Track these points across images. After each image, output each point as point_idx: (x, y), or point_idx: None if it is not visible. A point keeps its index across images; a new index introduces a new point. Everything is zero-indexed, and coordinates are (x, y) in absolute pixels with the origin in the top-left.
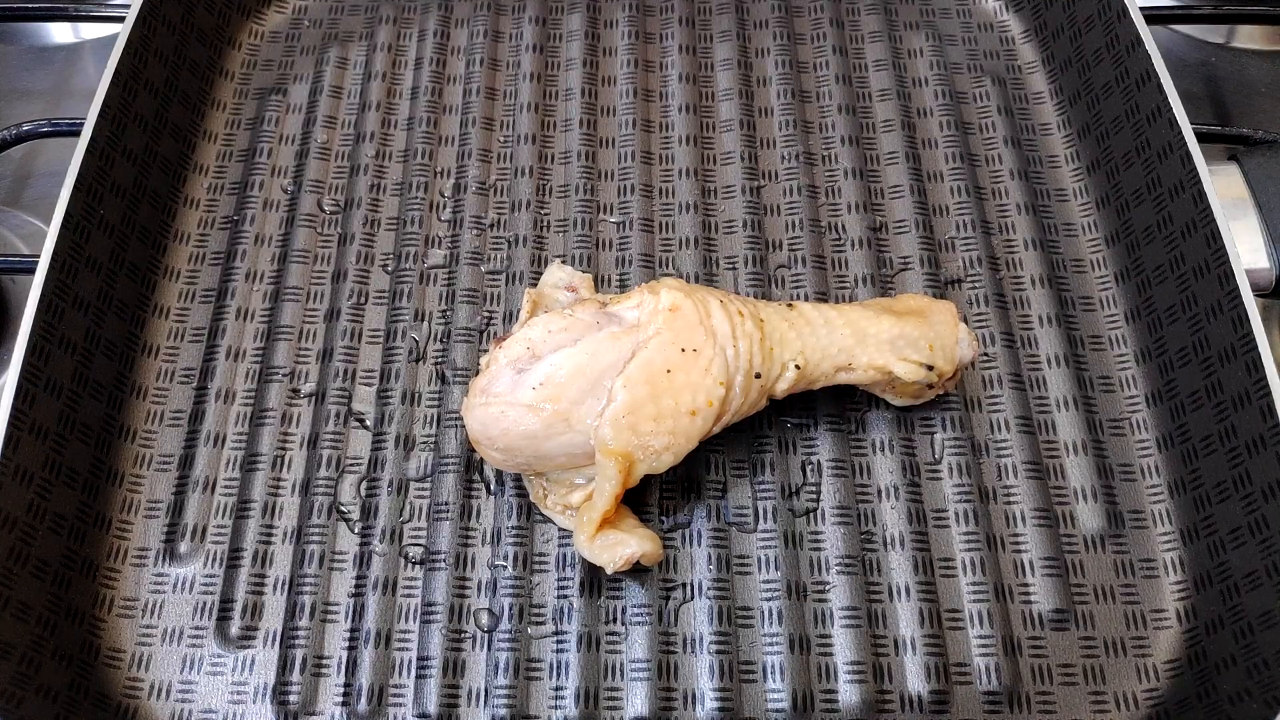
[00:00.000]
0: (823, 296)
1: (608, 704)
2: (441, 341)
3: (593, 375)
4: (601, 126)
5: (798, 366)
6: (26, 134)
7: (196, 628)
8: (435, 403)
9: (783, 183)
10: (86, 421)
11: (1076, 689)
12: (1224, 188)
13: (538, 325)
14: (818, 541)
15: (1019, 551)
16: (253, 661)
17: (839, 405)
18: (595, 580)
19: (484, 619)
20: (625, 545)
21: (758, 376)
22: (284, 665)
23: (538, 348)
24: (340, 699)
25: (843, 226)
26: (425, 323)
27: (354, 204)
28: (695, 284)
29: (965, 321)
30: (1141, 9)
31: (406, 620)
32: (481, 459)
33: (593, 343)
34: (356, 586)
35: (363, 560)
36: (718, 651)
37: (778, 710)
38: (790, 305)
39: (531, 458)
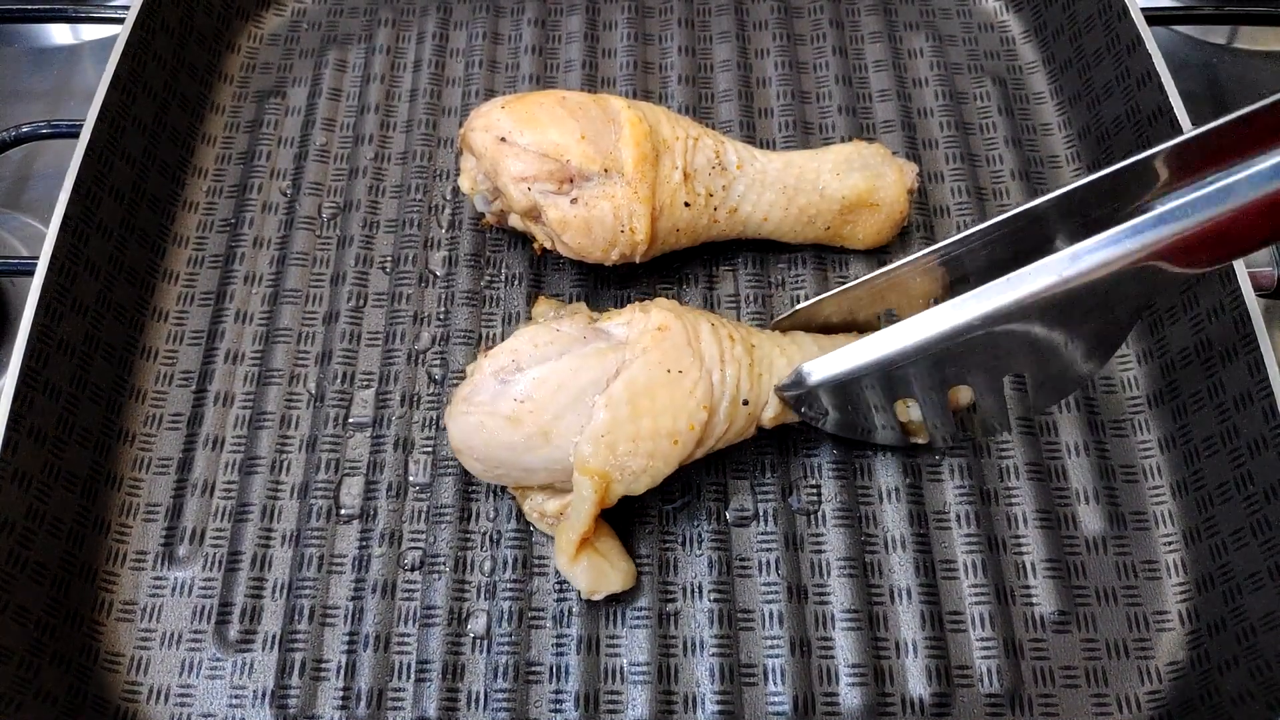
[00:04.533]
0: None
1: (608, 707)
2: (440, 344)
3: (575, 391)
4: None
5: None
6: (26, 135)
7: (195, 631)
8: (434, 405)
9: None
10: (85, 425)
11: (1078, 691)
12: None
13: (524, 336)
14: (819, 543)
15: (1020, 553)
16: (252, 665)
17: None
18: None
19: (483, 622)
20: (608, 581)
21: (745, 403)
22: (283, 669)
23: (522, 359)
24: (339, 703)
25: None
26: (424, 325)
27: (353, 206)
28: (689, 306)
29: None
30: (1143, 9)
31: (406, 624)
32: None
33: (578, 358)
34: (356, 590)
35: (362, 563)
36: (718, 654)
37: (778, 713)
38: (785, 333)
39: (512, 470)
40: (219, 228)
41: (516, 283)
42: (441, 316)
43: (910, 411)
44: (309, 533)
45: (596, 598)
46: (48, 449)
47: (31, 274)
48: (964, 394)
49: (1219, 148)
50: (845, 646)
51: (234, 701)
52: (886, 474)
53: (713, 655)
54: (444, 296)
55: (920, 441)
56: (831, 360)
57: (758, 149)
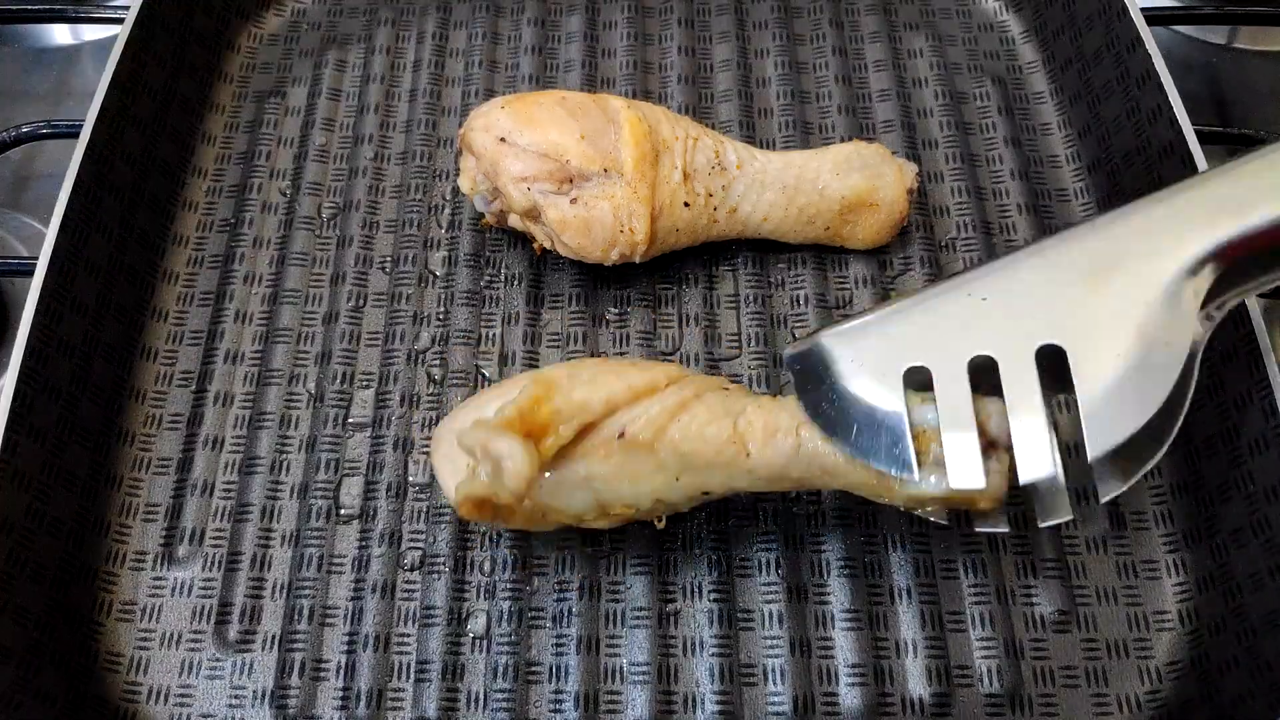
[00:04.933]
0: (822, 297)
1: (608, 707)
2: (440, 344)
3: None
4: None
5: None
6: (26, 135)
7: (195, 631)
8: (434, 405)
9: None
10: (85, 425)
11: (1079, 691)
12: None
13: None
14: (818, 543)
15: (1021, 553)
16: (251, 665)
17: None
18: (595, 583)
19: (483, 622)
20: (503, 440)
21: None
22: (283, 669)
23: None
24: (339, 703)
25: None
26: (424, 325)
27: (353, 206)
28: None
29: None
30: (1142, 9)
31: (406, 624)
32: None
33: None
34: (355, 590)
35: (362, 563)
36: (718, 654)
37: (778, 713)
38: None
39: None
40: (219, 228)
41: (516, 283)
42: (441, 316)
43: (925, 418)
44: (309, 533)
45: (474, 455)
46: (47, 449)
47: (31, 274)
48: (994, 408)
49: None
50: (845, 646)
51: (234, 701)
52: None
53: (713, 655)
54: (444, 296)
55: (935, 507)
56: (851, 319)
57: (757, 149)
